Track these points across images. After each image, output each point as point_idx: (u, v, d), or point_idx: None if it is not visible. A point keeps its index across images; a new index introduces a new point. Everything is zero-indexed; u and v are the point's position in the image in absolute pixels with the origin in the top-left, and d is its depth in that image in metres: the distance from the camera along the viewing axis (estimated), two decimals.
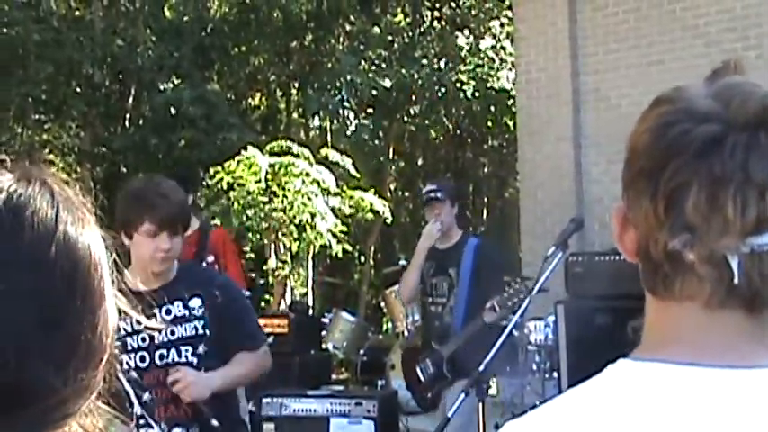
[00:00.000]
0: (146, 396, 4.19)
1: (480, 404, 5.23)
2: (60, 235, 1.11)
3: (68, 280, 1.11)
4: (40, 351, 1.07)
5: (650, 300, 1.28)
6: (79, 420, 1.13)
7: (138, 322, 3.77)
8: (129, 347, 4.21)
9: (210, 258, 7.34)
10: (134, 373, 4.16)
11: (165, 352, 4.26)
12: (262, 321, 9.74)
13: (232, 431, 4.49)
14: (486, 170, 24.58)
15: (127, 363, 4.19)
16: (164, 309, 4.26)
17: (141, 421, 4.13)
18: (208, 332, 4.32)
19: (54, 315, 1.08)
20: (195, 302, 4.35)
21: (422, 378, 7.09)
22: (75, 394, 1.11)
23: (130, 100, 20.15)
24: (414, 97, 19.69)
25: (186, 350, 4.28)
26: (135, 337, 4.22)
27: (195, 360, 4.28)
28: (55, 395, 1.08)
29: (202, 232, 7.32)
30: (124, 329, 4.19)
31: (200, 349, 4.30)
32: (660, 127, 1.23)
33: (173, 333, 4.27)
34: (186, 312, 4.31)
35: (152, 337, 4.23)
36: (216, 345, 4.34)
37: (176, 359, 4.25)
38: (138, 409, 4.11)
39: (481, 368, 5.05)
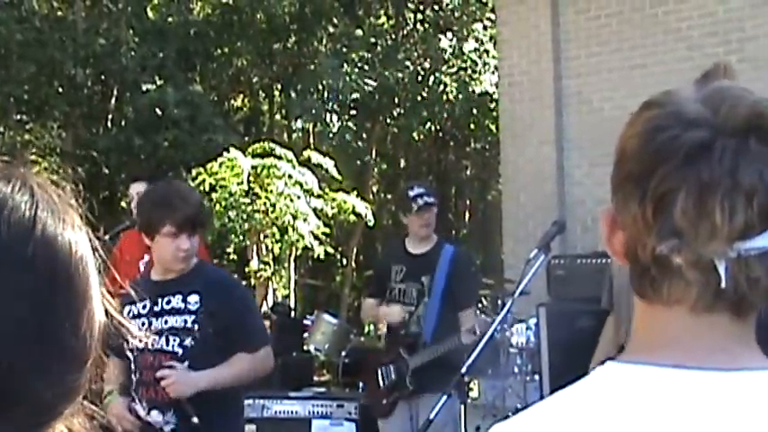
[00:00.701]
0: (136, 375, 4.62)
1: (462, 407, 5.21)
2: (38, 234, 1.08)
3: (48, 280, 1.09)
4: (18, 354, 1.05)
5: (638, 303, 1.29)
6: (65, 422, 1.11)
7: (144, 306, 4.34)
8: None
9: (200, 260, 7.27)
10: (132, 354, 4.59)
11: (156, 338, 4.55)
12: None
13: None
14: (468, 173, 24.62)
15: (128, 345, 4.39)
16: (165, 299, 4.60)
17: (130, 396, 4.62)
18: (196, 327, 4.56)
19: (33, 316, 1.06)
20: (193, 298, 4.62)
21: (381, 383, 6.84)
22: (58, 398, 1.09)
23: (113, 101, 20.10)
24: (396, 99, 19.72)
25: (174, 340, 4.56)
26: (137, 320, 4.51)
27: (180, 351, 4.55)
28: (36, 399, 1.06)
29: None
30: (130, 313, 4.55)
31: (187, 342, 4.55)
32: (649, 132, 1.23)
33: (166, 322, 4.59)
34: (182, 306, 4.59)
35: (150, 323, 4.56)
36: (205, 341, 4.57)
37: (164, 347, 4.55)
38: (133, 385, 4.62)
39: (463, 370, 5.03)
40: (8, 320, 1.05)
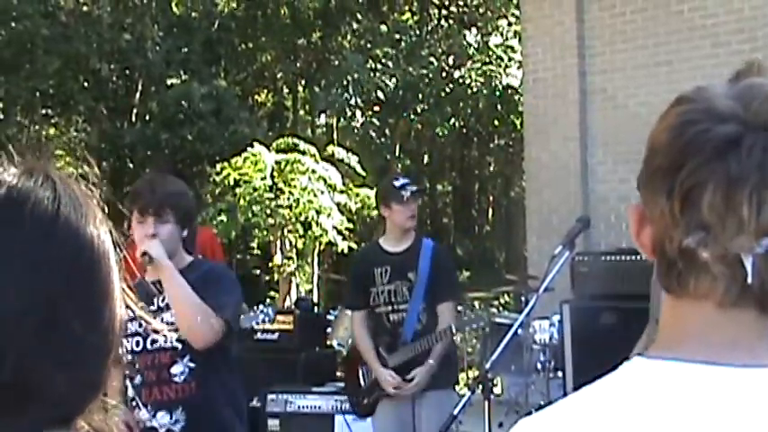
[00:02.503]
0: (137, 379, 4.46)
1: (486, 403, 5.19)
2: (60, 228, 1.09)
3: (69, 275, 1.09)
4: (39, 347, 1.05)
5: (666, 297, 1.29)
6: (86, 419, 1.11)
7: (141, 307, 4.16)
8: (129, 331, 4.44)
9: (199, 258, 7.20)
10: (129, 356, 4.42)
11: (155, 337, 4.44)
12: None
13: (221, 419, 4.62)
14: (491, 169, 24.58)
15: (125, 347, 4.41)
16: (161, 296, 4.48)
17: (133, 403, 4.42)
18: None
19: (54, 311, 1.06)
20: None
21: (362, 382, 6.69)
22: (79, 392, 1.10)
23: (137, 95, 20.17)
24: (420, 95, 19.70)
25: (172, 336, 4.42)
26: (134, 322, 4.33)
27: (180, 345, 4.43)
28: (57, 394, 1.06)
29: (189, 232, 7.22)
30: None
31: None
32: (679, 126, 1.23)
33: (163, 320, 4.43)
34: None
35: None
36: None
37: (163, 344, 4.45)
38: (130, 392, 4.43)
39: (488, 366, 5.02)
40: (29, 315, 1.05)
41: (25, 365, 1.04)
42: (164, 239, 4.52)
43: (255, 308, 7.23)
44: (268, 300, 16.48)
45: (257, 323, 7.22)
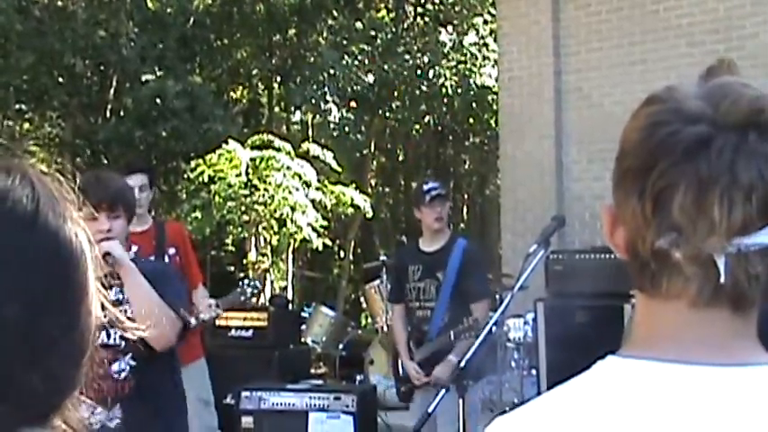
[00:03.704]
0: None
1: (461, 401, 5.21)
2: (40, 226, 1.08)
3: (47, 274, 1.08)
4: (15, 346, 1.04)
5: (639, 297, 1.29)
6: (62, 416, 1.11)
7: None
8: None
9: (172, 250, 7.24)
10: None
11: (97, 332, 4.28)
12: (241, 315, 9.80)
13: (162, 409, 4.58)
14: (467, 167, 24.57)
15: None
16: (111, 291, 4.30)
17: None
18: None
19: (31, 310, 1.06)
20: None
21: (400, 371, 7.16)
22: (54, 391, 1.09)
23: (111, 91, 20.06)
24: (396, 93, 19.69)
25: (115, 331, 4.31)
26: None
27: (123, 343, 4.35)
28: (32, 392, 1.06)
29: (158, 226, 7.27)
30: None
31: (129, 333, 4.30)
32: (649, 127, 1.23)
33: (105, 316, 4.22)
34: (121, 296, 4.40)
35: None
36: None
37: (105, 340, 4.31)
38: None
39: (462, 364, 5.03)
40: (9, 312, 1.04)
41: (2, 362, 1.03)
42: (117, 235, 4.48)
43: (241, 283, 7.25)
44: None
45: (245, 297, 7.25)
